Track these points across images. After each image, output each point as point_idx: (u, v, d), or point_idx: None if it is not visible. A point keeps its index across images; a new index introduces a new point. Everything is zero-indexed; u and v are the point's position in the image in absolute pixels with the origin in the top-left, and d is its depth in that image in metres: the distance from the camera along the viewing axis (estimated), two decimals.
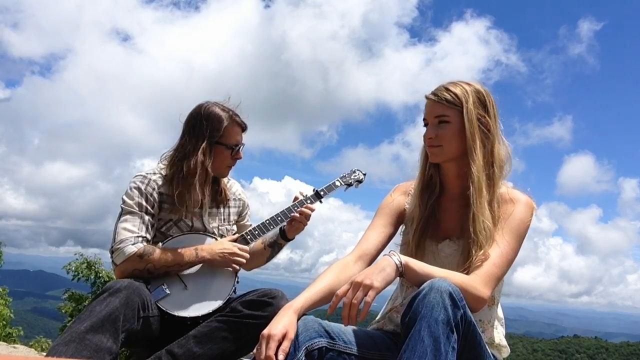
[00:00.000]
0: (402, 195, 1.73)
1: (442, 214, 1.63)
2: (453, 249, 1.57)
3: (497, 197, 1.54)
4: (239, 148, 2.15)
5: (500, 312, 1.63)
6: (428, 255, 1.60)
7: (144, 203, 2.00)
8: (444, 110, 1.54)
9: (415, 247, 1.61)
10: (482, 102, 1.56)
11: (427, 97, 1.59)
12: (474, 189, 1.51)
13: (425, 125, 1.60)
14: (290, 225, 2.21)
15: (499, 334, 1.58)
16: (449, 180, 1.62)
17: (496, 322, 1.59)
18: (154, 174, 2.07)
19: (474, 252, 1.47)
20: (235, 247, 2.06)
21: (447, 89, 1.56)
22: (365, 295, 1.29)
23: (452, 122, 1.54)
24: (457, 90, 1.55)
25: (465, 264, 1.48)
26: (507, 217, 1.51)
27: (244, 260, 2.08)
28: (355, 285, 1.31)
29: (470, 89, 1.56)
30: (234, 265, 2.06)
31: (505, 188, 1.58)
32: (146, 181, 2.04)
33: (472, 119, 1.52)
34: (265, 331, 1.33)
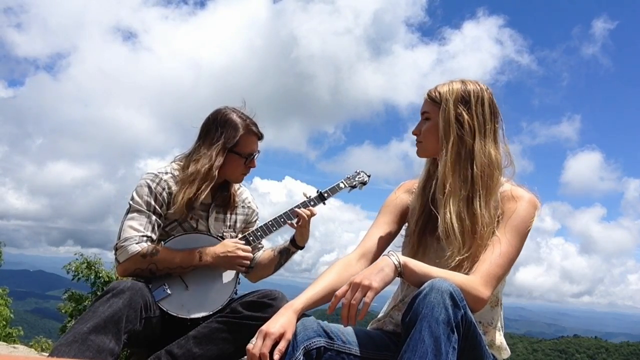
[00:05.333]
0: (406, 193, 1.73)
1: None
2: None
3: (496, 196, 1.52)
4: (254, 157, 2.13)
5: (502, 313, 1.62)
6: (430, 253, 1.60)
7: (152, 202, 2.00)
8: (428, 107, 1.60)
9: (417, 243, 1.61)
10: (465, 100, 1.54)
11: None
12: (437, 186, 1.55)
13: None
14: (295, 229, 2.17)
15: (500, 336, 1.58)
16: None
17: (498, 324, 1.58)
18: (166, 173, 2.06)
19: (452, 254, 1.47)
20: (239, 249, 2.05)
21: (436, 88, 1.59)
22: (364, 295, 1.29)
23: (432, 119, 1.59)
24: (444, 89, 1.56)
25: (448, 266, 1.47)
26: (510, 215, 1.49)
27: (248, 262, 2.08)
28: (354, 286, 1.31)
29: (459, 87, 1.55)
30: (239, 267, 2.06)
31: (510, 186, 1.56)
32: (157, 180, 2.03)
33: (447, 117, 1.53)
34: (263, 327, 1.34)
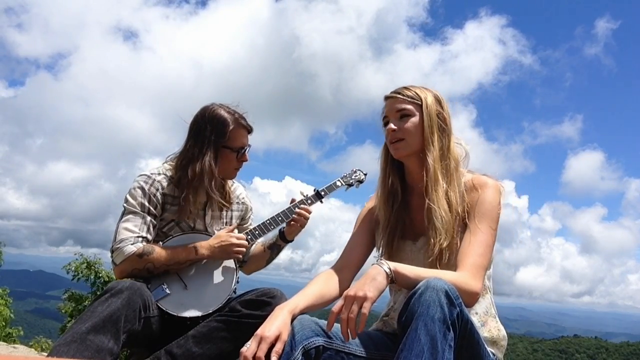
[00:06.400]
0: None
1: (413, 212, 1.66)
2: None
3: (461, 188, 1.58)
4: (245, 151, 2.15)
5: (493, 299, 1.65)
6: (407, 256, 1.63)
7: (146, 203, 2.00)
8: (406, 105, 1.62)
9: (388, 250, 1.65)
10: (438, 100, 1.65)
11: (386, 97, 1.66)
12: (428, 179, 1.57)
13: (386, 124, 1.65)
14: (289, 226, 2.22)
15: (497, 323, 1.60)
16: (413, 177, 1.66)
17: (492, 310, 1.61)
18: (159, 174, 2.07)
19: (435, 244, 1.52)
20: (232, 237, 2.06)
21: (407, 88, 1.64)
22: (361, 307, 1.30)
23: (413, 115, 1.61)
24: (417, 89, 1.64)
25: (430, 259, 1.52)
26: (476, 204, 1.55)
27: (244, 249, 2.08)
28: (349, 299, 1.31)
29: (427, 90, 1.65)
30: (235, 255, 2.06)
31: (470, 175, 1.63)
32: (150, 181, 2.04)
33: (431, 113, 1.60)
34: (258, 331, 1.34)
